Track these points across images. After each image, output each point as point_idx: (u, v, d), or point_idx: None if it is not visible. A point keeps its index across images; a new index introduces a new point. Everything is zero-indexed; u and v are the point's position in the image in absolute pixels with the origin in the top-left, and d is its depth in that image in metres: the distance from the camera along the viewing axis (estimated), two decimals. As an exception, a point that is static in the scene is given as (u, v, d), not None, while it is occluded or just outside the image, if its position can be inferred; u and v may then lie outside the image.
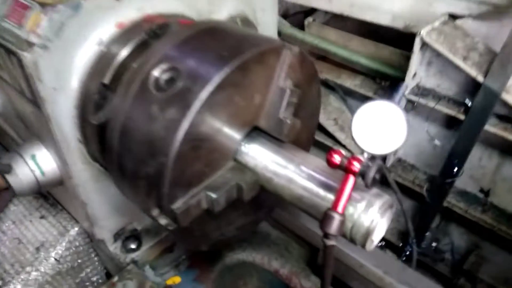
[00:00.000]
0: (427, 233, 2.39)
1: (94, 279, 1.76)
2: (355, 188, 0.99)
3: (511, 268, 2.21)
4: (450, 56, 1.87)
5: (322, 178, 1.03)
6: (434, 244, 2.43)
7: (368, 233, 0.94)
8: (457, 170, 2.07)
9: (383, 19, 2.25)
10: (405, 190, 2.37)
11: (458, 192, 2.24)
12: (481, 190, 2.20)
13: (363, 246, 0.96)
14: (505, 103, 1.83)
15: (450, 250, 2.39)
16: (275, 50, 1.08)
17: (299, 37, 2.49)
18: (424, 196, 2.24)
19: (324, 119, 2.47)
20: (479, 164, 2.14)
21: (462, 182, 2.21)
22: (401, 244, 2.40)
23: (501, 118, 1.94)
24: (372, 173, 0.85)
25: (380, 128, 0.94)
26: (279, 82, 1.11)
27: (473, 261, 2.30)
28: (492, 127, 1.91)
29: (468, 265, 2.30)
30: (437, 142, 2.11)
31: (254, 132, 1.16)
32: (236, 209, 1.26)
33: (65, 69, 1.23)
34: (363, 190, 0.98)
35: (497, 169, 2.10)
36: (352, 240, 0.98)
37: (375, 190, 0.99)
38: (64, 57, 1.22)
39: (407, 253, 2.35)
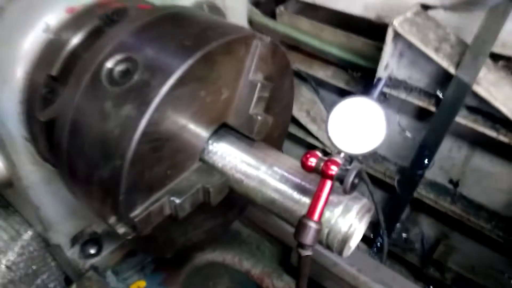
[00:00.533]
0: (397, 224, 2.39)
1: (51, 285, 1.62)
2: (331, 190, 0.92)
3: (478, 257, 2.26)
4: (422, 47, 1.83)
5: (296, 180, 0.96)
6: (404, 235, 2.44)
7: (345, 239, 0.88)
8: (428, 162, 2.06)
9: (355, 9, 2.19)
10: (376, 181, 2.36)
11: (428, 183, 2.24)
12: (451, 181, 2.21)
13: (340, 253, 0.90)
14: (476, 95, 1.82)
15: (419, 240, 2.41)
16: (244, 40, 0.98)
17: (270, 26, 2.39)
18: (394, 187, 2.23)
19: (296, 111, 2.41)
20: (449, 155, 2.14)
21: (432, 173, 2.21)
22: (372, 235, 2.39)
23: (472, 110, 1.93)
24: (351, 178, 0.78)
25: (358, 126, 0.87)
26: (249, 75, 1.02)
27: (442, 251, 2.33)
28: (462, 118, 1.90)
29: (437, 255, 2.32)
30: (408, 133, 2.09)
31: (222, 129, 1.07)
32: (204, 211, 1.17)
33: (7, 59, 1.10)
34: (340, 192, 0.91)
35: (466, 160, 2.12)
36: (328, 247, 0.91)
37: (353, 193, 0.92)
38: (5, 46, 1.09)
39: (378, 244, 2.35)
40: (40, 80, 1.08)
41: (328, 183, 0.81)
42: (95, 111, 0.91)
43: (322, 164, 0.82)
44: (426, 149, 2.03)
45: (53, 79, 1.07)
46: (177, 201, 0.95)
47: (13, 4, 1.09)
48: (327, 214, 0.90)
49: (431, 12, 1.97)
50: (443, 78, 1.92)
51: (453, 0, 1.95)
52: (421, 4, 1.95)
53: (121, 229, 0.94)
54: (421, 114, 2.09)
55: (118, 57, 0.93)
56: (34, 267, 1.58)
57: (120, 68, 0.93)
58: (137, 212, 0.92)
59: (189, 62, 0.88)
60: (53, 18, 1.10)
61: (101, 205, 0.94)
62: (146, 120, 0.85)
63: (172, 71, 0.87)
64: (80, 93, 0.94)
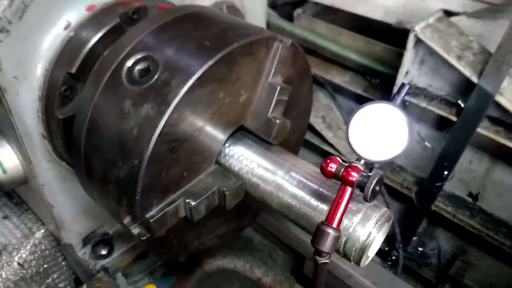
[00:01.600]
0: (414, 237, 2.33)
1: (62, 285, 1.62)
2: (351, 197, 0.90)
3: (496, 274, 2.18)
4: (444, 54, 1.79)
5: (314, 186, 0.93)
6: (420, 249, 2.38)
7: (363, 249, 0.85)
8: (447, 173, 2.00)
9: (375, 13, 2.16)
10: (392, 192, 2.31)
11: (447, 196, 2.18)
12: (470, 194, 2.15)
13: (358, 262, 0.87)
14: (498, 105, 1.76)
15: (436, 255, 2.34)
16: (265, 41, 0.96)
17: (287, 29, 2.37)
18: (411, 199, 2.17)
19: (311, 117, 2.37)
20: (469, 167, 2.08)
21: (451, 185, 2.15)
22: (387, 248, 2.33)
23: (494, 120, 1.88)
24: (372, 185, 0.75)
25: (379, 132, 0.84)
26: (268, 78, 1.00)
27: (458, 267, 2.25)
28: (484, 129, 1.85)
29: (453, 271, 2.25)
30: (427, 143, 2.04)
31: (240, 132, 1.05)
32: (218, 215, 1.15)
33: (28, 56, 1.10)
34: (359, 200, 0.88)
35: (487, 173, 2.05)
36: (345, 256, 0.88)
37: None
38: (27, 43, 1.09)
39: (393, 257, 2.29)
40: (59, 77, 1.08)
41: (348, 190, 0.78)
42: (114, 110, 0.90)
43: (342, 170, 0.79)
44: (446, 160, 1.98)
45: (72, 77, 1.07)
46: (193, 203, 0.93)
47: (35, 1, 1.09)
48: (345, 221, 0.87)
49: (454, 19, 1.93)
50: (465, 87, 1.87)
51: (477, 7, 1.90)
52: (444, 10, 1.91)
53: (135, 230, 0.92)
54: (441, 124, 2.04)
55: (138, 56, 0.92)
56: (45, 265, 1.58)
57: (140, 67, 0.92)
58: (153, 213, 0.90)
59: (209, 62, 0.87)
60: (74, 15, 1.10)
61: (117, 205, 0.93)
62: (164, 120, 0.83)
63: (192, 71, 0.86)
64: (100, 91, 0.94)
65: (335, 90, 2.43)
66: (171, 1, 1.24)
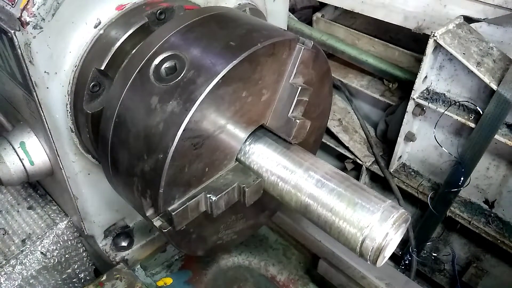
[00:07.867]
0: (428, 243, 2.32)
1: (82, 275, 1.67)
2: (368, 197, 0.92)
3: (510, 282, 2.16)
4: (464, 60, 1.79)
5: (332, 186, 0.95)
6: (434, 254, 2.37)
7: (380, 249, 0.87)
8: (463, 180, 2.00)
9: (395, 18, 2.18)
10: (407, 197, 2.31)
11: (462, 202, 2.17)
12: (486, 201, 2.13)
13: (374, 262, 0.88)
14: (518, 113, 1.76)
15: (450, 261, 2.32)
16: (287, 43, 0.99)
17: (306, 32, 2.40)
18: (427, 204, 2.17)
19: (327, 119, 2.39)
20: (486, 174, 2.07)
21: (467, 191, 2.14)
22: (400, 252, 2.33)
23: (512, 128, 1.87)
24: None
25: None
26: (290, 78, 1.03)
27: (472, 273, 2.24)
28: (502, 136, 1.84)
29: (467, 277, 2.24)
30: (444, 149, 2.03)
31: (260, 131, 1.07)
32: (236, 212, 1.18)
33: (59, 52, 1.14)
34: (377, 200, 0.90)
35: (504, 180, 2.04)
36: (361, 255, 0.90)
37: (390, 201, 0.91)
38: (58, 39, 1.13)
39: (406, 262, 2.29)
40: (88, 73, 1.12)
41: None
42: (141, 106, 0.94)
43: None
44: (463, 166, 1.98)
45: (101, 73, 1.11)
46: (213, 198, 0.96)
47: (68, 0, 1.14)
48: (362, 221, 0.88)
49: (474, 25, 1.93)
50: (484, 94, 1.87)
51: (497, 13, 1.90)
52: (464, 16, 1.91)
53: (157, 222, 0.96)
54: (459, 130, 2.04)
55: (165, 54, 0.96)
56: (66, 256, 1.63)
57: (167, 65, 0.95)
58: (175, 206, 0.94)
59: (234, 62, 0.90)
60: (104, 14, 1.15)
61: (140, 197, 0.96)
62: (189, 116, 0.86)
63: (217, 70, 0.89)
64: (128, 88, 0.98)
65: (352, 93, 2.44)
66: (196, 2, 1.27)
